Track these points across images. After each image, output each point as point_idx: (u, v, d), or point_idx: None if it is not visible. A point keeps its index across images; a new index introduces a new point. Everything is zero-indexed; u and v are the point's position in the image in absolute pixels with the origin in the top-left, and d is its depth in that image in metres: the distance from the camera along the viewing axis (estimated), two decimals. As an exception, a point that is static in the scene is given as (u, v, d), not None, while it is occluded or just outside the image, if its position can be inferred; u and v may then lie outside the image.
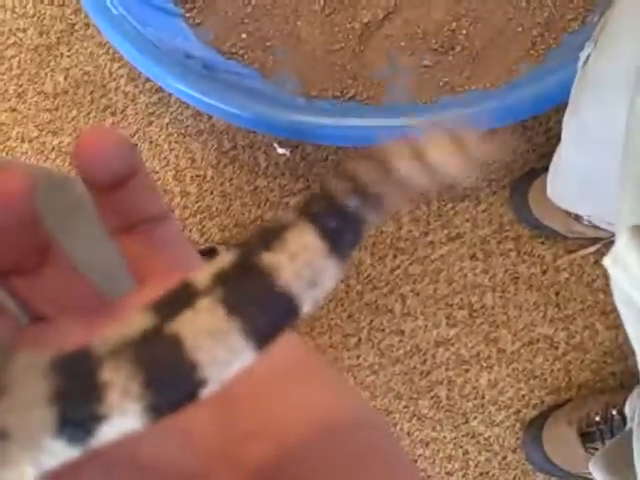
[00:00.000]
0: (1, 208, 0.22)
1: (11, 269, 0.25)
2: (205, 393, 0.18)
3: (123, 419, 0.18)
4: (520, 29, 1.29)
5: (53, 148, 1.42)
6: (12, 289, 0.26)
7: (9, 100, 1.45)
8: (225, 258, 0.19)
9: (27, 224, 0.24)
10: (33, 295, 0.26)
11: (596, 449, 1.16)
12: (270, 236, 0.19)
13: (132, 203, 0.27)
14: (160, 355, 0.18)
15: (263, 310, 0.18)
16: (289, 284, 0.18)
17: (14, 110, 1.44)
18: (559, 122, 0.93)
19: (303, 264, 0.19)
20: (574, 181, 0.99)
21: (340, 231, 0.19)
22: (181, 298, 0.19)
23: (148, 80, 1.39)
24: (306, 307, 0.19)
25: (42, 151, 1.42)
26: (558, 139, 0.95)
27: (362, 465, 0.25)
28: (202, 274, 0.19)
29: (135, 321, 0.19)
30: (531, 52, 1.27)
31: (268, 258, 0.19)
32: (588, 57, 0.79)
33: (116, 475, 0.24)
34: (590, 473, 1.03)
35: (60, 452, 0.17)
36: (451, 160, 0.18)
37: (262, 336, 0.18)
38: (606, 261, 0.54)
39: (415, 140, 0.19)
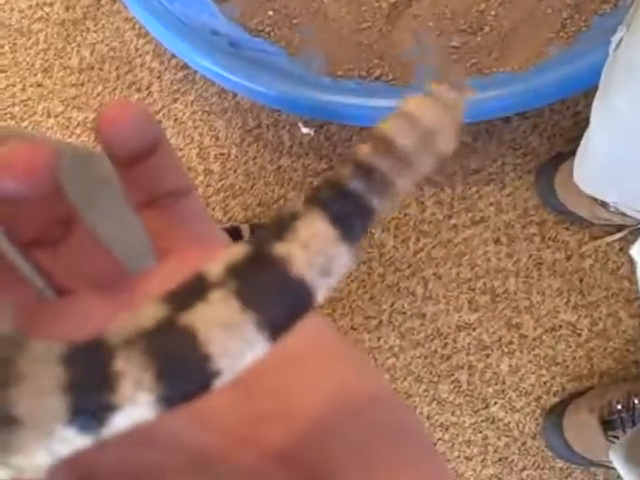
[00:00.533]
0: (26, 180, 0.22)
1: (34, 240, 0.25)
2: (218, 384, 0.18)
3: (135, 409, 0.17)
4: (550, 10, 1.27)
5: (78, 124, 1.42)
6: (35, 261, 0.26)
7: (35, 75, 1.45)
8: (237, 249, 0.19)
9: (51, 196, 0.24)
10: (56, 267, 0.26)
11: (617, 437, 1.15)
12: (281, 226, 0.19)
13: (154, 177, 0.27)
14: (173, 347, 0.18)
15: (277, 301, 0.18)
16: (302, 273, 0.18)
17: (40, 85, 1.45)
18: (588, 106, 0.91)
19: (315, 252, 0.18)
20: (601, 167, 0.97)
21: (349, 216, 0.19)
22: (194, 290, 0.19)
23: (174, 57, 1.39)
24: (320, 295, 0.19)
25: (67, 126, 1.42)
26: (586, 124, 0.93)
27: (383, 445, 0.25)
28: (215, 266, 0.19)
29: (148, 311, 0.19)
30: (561, 34, 1.25)
31: (280, 248, 0.18)
32: (620, 41, 0.78)
33: (132, 454, 0.24)
34: (610, 461, 1.02)
35: (72, 440, 0.17)
36: (440, 119, 0.19)
37: (276, 327, 0.18)
38: (633, 251, 0.53)
39: (404, 108, 0.19)
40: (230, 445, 0.24)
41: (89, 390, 0.17)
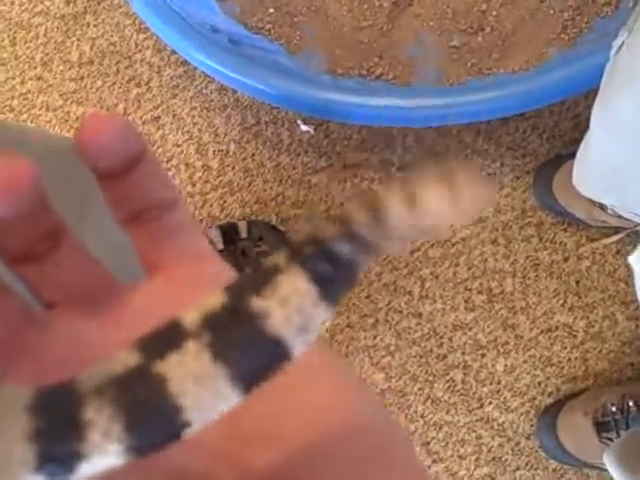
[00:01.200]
0: (6, 201, 0.21)
1: (21, 255, 0.25)
2: (189, 434, 0.18)
3: (104, 458, 0.17)
4: (552, 12, 1.27)
5: (77, 118, 1.42)
6: (23, 275, 0.26)
7: (35, 68, 1.45)
8: (215, 299, 0.19)
9: (36, 211, 0.23)
10: (43, 281, 0.26)
11: (610, 439, 1.16)
12: (261, 279, 0.19)
13: (139, 189, 0.26)
14: (143, 397, 0.18)
15: (251, 356, 0.18)
16: (279, 330, 0.18)
17: (39, 78, 1.44)
18: (588, 108, 0.91)
19: (293, 310, 0.18)
20: (601, 170, 0.98)
21: (331, 276, 0.19)
22: (169, 338, 0.19)
23: (174, 52, 1.38)
24: (297, 351, 0.19)
25: (66, 120, 1.42)
26: (586, 126, 0.93)
27: (368, 472, 0.25)
28: (191, 314, 0.19)
29: (121, 358, 0.19)
30: (562, 36, 1.25)
31: (258, 303, 0.18)
32: (621, 45, 0.78)
33: (118, 474, 0.24)
34: (603, 463, 1.03)
35: None
36: (443, 208, 0.18)
37: (249, 381, 0.18)
38: (632, 258, 0.53)
39: (410, 183, 0.19)
40: (216, 466, 0.24)
41: (58, 438, 0.17)
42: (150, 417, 0.18)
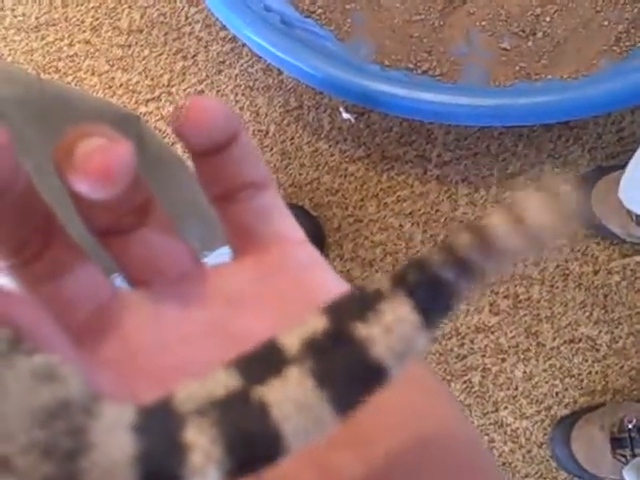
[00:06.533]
0: (100, 185, 0.21)
1: (106, 229, 0.25)
2: (285, 459, 0.18)
3: None
4: (606, 23, 1.26)
5: (121, 84, 1.43)
6: (110, 250, 0.25)
7: (84, 32, 1.45)
8: (316, 323, 0.19)
9: (129, 189, 0.23)
10: (129, 258, 0.26)
11: (624, 456, 1.15)
12: (365, 305, 0.19)
13: (233, 169, 0.26)
14: (245, 421, 0.18)
15: (353, 383, 0.18)
16: (382, 357, 0.18)
17: (87, 42, 1.45)
18: (633, 123, 0.91)
19: (397, 338, 0.18)
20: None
21: (433, 304, 0.19)
22: (269, 362, 0.19)
23: (223, 28, 1.39)
24: (395, 376, 0.19)
25: (110, 86, 1.43)
26: (630, 140, 0.93)
27: None
28: (292, 339, 0.19)
29: (220, 379, 0.18)
30: (614, 48, 1.24)
31: (362, 330, 0.18)
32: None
33: None
34: (615, 479, 1.02)
35: None
36: (549, 219, 0.18)
37: (349, 406, 0.18)
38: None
39: (511, 204, 0.18)
40: (299, 469, 0.24)
41: (160, 462, 0.17)
42: (251, 441, 0.18)
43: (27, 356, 0.18)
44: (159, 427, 0.18)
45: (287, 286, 0.26)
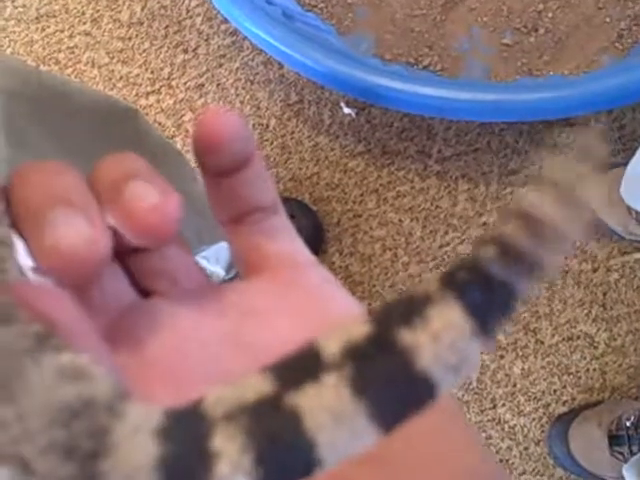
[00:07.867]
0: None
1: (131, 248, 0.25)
2: (319, 473, 0.17)
3: None
4: (608, 19, 1.25)
5: (121, 77, 1.42)
6: (125, 262, 0.26)
7: (84, 23, 1.45)
8: (359, 328, 0.17)
9: None
10: (142, 269, 0.26)
11: (622, 453, 1.15)
12: (410, 309, 0.17)
13: (244, 191, 0.26)
14: (277, 429, 0.16)
15: (395, 395, 0.17)
16: (428, 367, 0.16)
17: (88, 34, 1.45)
18: (634, 120, 0.90)
19: (446, 346, 0.17)
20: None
21: (488, 306, 0.17)
22: (305, 366, 0.17)
23: (224, 22, 1.38)
24: (444, 391, 0.17)
25: (110, 79, 1.42)
26: (631, 137, 0.92)
27: None
28: (332, 343, 0.17)
29: (252, 383, 0.17)
30: (616, 45, 1.24)
31: (407, 336, 0.17)
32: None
33: None
34: (612, 476, 1.02)
35: None
36: (597, 197, 0.17)
37: (390, 421, 0.17)
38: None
39: (551, 180, 0.17)
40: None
41: (183, 469, 0.16)
42: (282, 451, 0.16)
43: (55, 353, 0.18)
44: (185, 432, 0.17)
45: (301, 300, 0.26)
